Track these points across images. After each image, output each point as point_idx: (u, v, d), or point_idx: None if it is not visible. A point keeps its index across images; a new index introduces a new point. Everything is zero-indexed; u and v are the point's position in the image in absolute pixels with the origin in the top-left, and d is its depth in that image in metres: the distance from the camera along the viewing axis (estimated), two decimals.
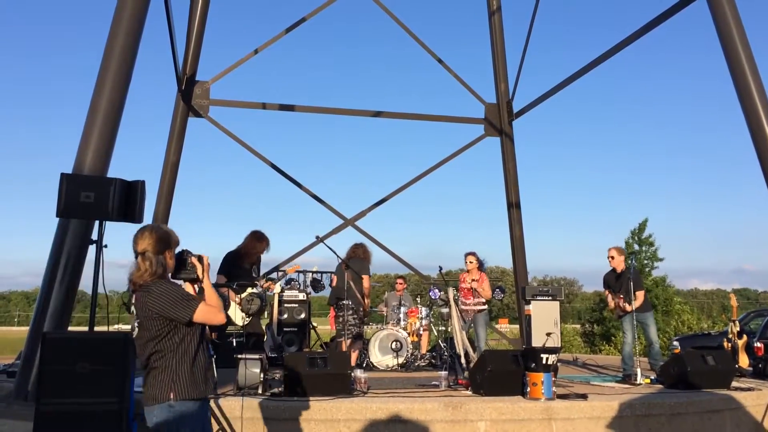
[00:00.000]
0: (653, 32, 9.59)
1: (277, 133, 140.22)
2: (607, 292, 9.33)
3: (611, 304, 9.14)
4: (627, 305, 8.69)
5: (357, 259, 9.68)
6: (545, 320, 8.73)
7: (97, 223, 5.85)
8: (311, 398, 6.03)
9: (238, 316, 7.08)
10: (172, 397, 3.53)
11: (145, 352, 3.61)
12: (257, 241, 7.55)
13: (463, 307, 8.89)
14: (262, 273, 8.22)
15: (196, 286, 3.82)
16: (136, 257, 3.65)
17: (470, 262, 9.14)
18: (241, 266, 7.40)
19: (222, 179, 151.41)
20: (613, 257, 9.11)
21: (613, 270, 9.18)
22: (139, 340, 3.63)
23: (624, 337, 9.05)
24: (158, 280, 3.63)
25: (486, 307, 9.21)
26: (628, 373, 8.47)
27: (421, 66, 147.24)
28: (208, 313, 3.59)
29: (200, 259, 3.77)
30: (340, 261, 9.14)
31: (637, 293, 8.67)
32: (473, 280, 9.10)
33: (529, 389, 6.48)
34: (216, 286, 6.59)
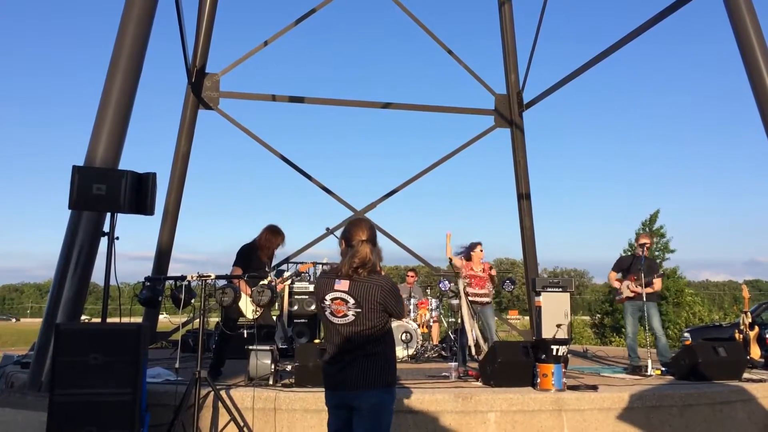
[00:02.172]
0: (666, 21, 9.51)
1: (287, 125, 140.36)
2: (613, 274, 9.15)
3: (622, 285, 8.91)
4: (642, 288, 8.50)
5: None
6: (556, 312, 8.70)
7: (108, 215, 5.89)
8: (322, 389, 6.04)
9: (249, 309, 7.11)
10: (390, 382, 3.75)
11: (358, 339, 3.71)
12: (273, 235, 7.56)
13: (476, 298, 8.86)
14: (272, 265, 8.26)
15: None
16: (351, 245, 3.76)
17: (480, 250, 9.09)
18: (256, 259, 7.43)
19: (232, 171, 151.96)
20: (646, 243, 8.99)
21: (633, 255, 9.08)
22: (352, 326, 3.71)
23: (626, 329, 9.00)
24: (384, 275, 3.82)
25: (491, 299, 9.20)
26: (636, 365, 8.44)
27: (431, 57, 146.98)
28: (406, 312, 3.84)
29: None
30: None
31: (657, 279, 8.63)
32: (485, 270, 9.05)
33: (539, 380, 6.48)
34: (227, 277, 6.65)
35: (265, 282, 6.95)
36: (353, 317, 3.69)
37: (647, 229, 35.48)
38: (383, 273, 3.89)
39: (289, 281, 9.97)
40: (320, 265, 11.33)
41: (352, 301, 3.69)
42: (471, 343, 8.51)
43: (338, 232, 11.95)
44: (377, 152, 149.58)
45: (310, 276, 11.28)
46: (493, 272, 9.03)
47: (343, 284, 3.73)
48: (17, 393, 6.20)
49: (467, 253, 9.14)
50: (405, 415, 5.86)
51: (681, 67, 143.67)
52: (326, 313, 3.77)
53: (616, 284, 8.99)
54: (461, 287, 8.75)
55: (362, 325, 3.69)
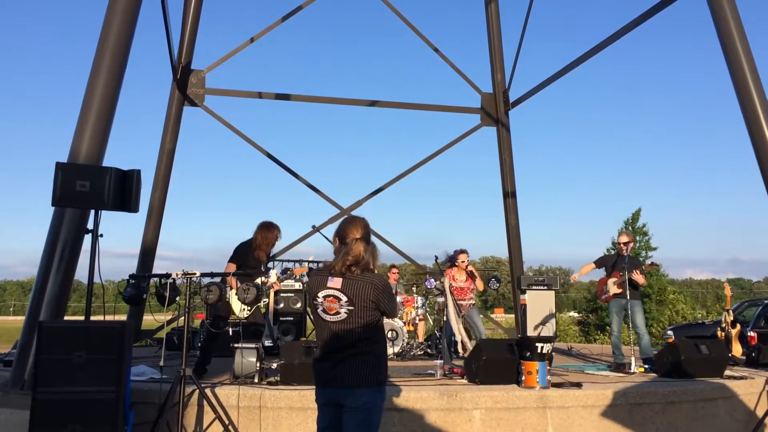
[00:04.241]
0: (651, 21, 9.59)
1: (273, 122, 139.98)
2: (591, 265, 9.26)
3: (609, 280, 8.96)
4: (622, 285, 8.60)
5: None
6: (540, 310, 8.74)
7: (92, 212, 5.84)
8: (307, 387, 6.05)
9: (237, 307, 7.09)
10: (381, 380, 3.77)
11: (350, 337, 3.70)
12: (267, 230, 7.55)
13: (461, 302, 8.90)
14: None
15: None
16: (345, 243, 3.76)
17: (462, 261, 9.04)
18: (253, 258, 7.41)
19: (218, 168, 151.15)
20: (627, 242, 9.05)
21: (617, 253, 9.16)
22: (344, 324, 3.71)
23: (611, 326, 9.12)
24: (376, 273, 3.82)
25: (474, 300, 9.28)
26: (620, 363, 8.50)
27: (417, 55, 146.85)
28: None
29: None
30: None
31: (640, 275, 8.68)
32: (468, 277, 9.02)
33: (524, 378, 6.51)
34: (214, 274, 6.62)
35: (258, 281, 6.94)
36: (345, 315, 3.69)
37: (630, 228, 35.66)
38: (377, 271, 3.89)
39: (281, 283, 9.94)
40: (306, 262, 11.32)
41: (344, 298, 3.69)
42: (458, 338, 8.51)
43: (325, 230, 11.97)
44: (364, 150, 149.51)
45: (297, 275, 11.26)
46: (470, 268, 9.00)
47: (336, 282, 3.72)
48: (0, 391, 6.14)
49: (452, 261, 9.13)
50: (390, 413, 5.87)
51: (666, 66, 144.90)
52: (318, 310, 3.76)
53: (587, 268, 9.25)
54: (446, 285, 8.77)
55: (354, 323, 3.69)
